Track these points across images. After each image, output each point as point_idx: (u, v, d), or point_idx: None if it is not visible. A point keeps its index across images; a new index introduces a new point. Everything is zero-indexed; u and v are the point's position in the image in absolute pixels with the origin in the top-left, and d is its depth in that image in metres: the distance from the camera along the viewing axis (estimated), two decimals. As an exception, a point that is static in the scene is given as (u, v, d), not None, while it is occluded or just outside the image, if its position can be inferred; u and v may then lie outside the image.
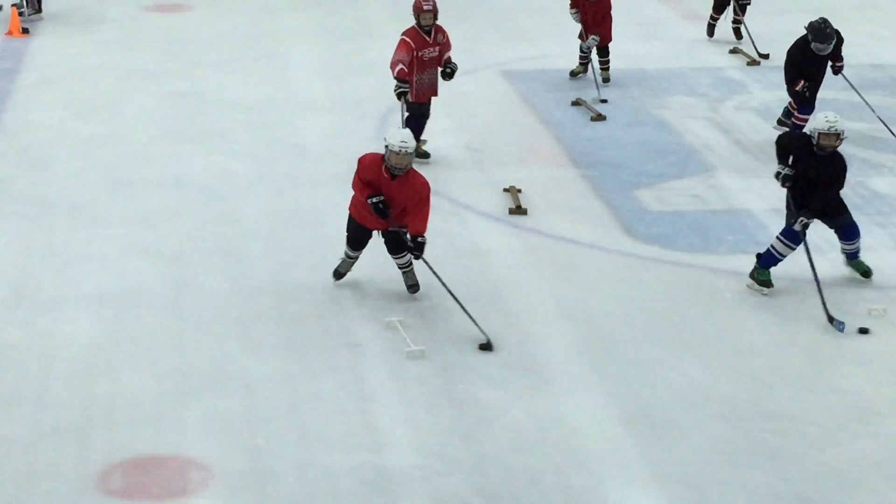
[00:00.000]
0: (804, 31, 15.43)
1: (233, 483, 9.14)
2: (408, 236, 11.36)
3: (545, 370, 10.67)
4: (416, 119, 14.53)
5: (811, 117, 11.83)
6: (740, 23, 19.56)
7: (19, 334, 10.99)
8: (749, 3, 19.47)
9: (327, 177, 14.33)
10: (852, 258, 12.19)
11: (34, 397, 10.08)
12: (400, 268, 11.67)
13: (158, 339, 10.96)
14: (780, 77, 18.15)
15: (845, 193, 12.70)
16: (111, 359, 10.65)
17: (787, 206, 11.95)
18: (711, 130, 16.19)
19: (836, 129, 11.62)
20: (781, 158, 11.92)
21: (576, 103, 16.94)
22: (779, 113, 16.80)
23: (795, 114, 15.60)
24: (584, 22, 17.29)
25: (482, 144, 15.17)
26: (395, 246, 11.56)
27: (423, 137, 14.72)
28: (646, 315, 11.58)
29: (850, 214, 12.04)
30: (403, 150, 11.07)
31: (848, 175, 13.19)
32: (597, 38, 17.27)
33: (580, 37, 17.50)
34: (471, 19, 20.85)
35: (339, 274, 11.83)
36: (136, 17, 20.67)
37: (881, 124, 15.76)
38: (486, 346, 10.89)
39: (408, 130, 11.34)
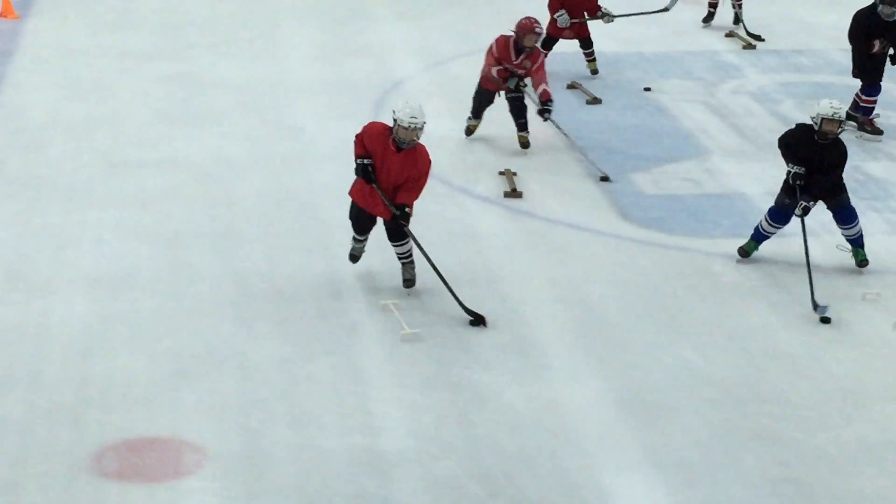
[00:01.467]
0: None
1: (227, 465, 9.14)
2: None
3: (540, 353, 10.68)
4: (477, 101, 14.70)
5: (815, 105, 11.85)
6: (740, 7, 19.53)
7: (14, 316, 10.98)
8: None
9: (322, 159, 14.33)
10: (855, 245, 12.18)
11: (29, 379, 10.08)
12: (399, 258, 11.55)
13: (153, 321, 10.96)
14: (776, 61, 18.26)
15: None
16: (106, 340, 10.65)
17: (783, 189, 12.00)
18: (707, 114, 16.18)
19: (840, 116, 11.72)
20: (789, 157, 11.94)
21: (571, 86, 16.92)
22: (775, 96, 16.81)
23: (862, 96, 15.47)
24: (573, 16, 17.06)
25: (477, 127, 15.14)
26: (396, 234, 11.47)
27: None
28: (640, 298, 11.59)
29: (847, 197, 12.08)
30: (413, 125, 10.96)
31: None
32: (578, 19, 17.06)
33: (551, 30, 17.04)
34: (466, 2, 20.84)
35: (353, 257, 11.68)
36: (132, -2, 20.66)
37: (876, 108, 15.72)
38: (478, 321, 10.93)
39: (418, 104, 11.12)
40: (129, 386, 10.01)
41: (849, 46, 15.88)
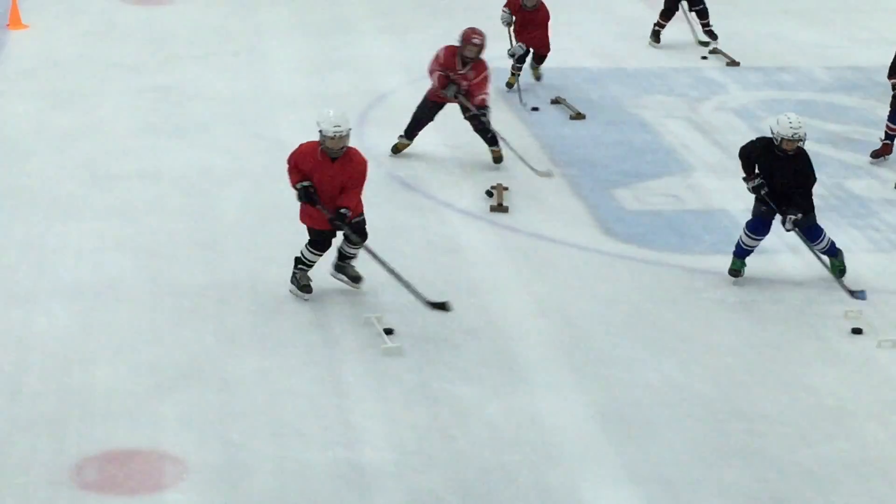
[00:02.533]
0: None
1: (207, 477, 9.12)
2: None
3: (522, 368, 10.68)
4: (416, 117, 14.63)
5: (774, 119, 11.81)
6: (709, 25, 19.51)
7: (-5, 326, 10.97)
8: (702, 8, 19.38)
9: (306, 172, 14.31)
10: (831, 255, 12.19)
11: (9, 390, 10.05)
12: (345, 255, 11.60)
13: (135, 332, 10.94)
14: (759, 78, 18.31)
15: (822, 194, 12.74)
16: (87, 351, 10.63)
17: (757, 199, 11.99)
18: (690, 130, 16.22)
19: (799, 136, 11.63)
20: (747, 169, 11.97)
21: (555, 101, 16.94)
22: (758, 113, 16.84)
23: (888, 122, 15.10)
24: (518, 28, 16.97)
25: (461, 141, 15.16)
26: (361, 232, 11.49)
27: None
28: (622, 314, 11.60)
29: (814, 216, 12.05)
30: (337, 133, 11.03)
31: (825, 177, 13.29)
32: (523, 46, 16.97)
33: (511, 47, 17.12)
34: (451, 15, 20.85)
35: (306, 287, 11.58)
36: (117, 9, 20.64)
37: (859, 126, 15.74)
38: (441, 307, 11.03)
39: (341, 112, 11.19)
40: (109, 397, 9.99)
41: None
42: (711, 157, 15.33)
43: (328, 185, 11.21)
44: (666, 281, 12.25)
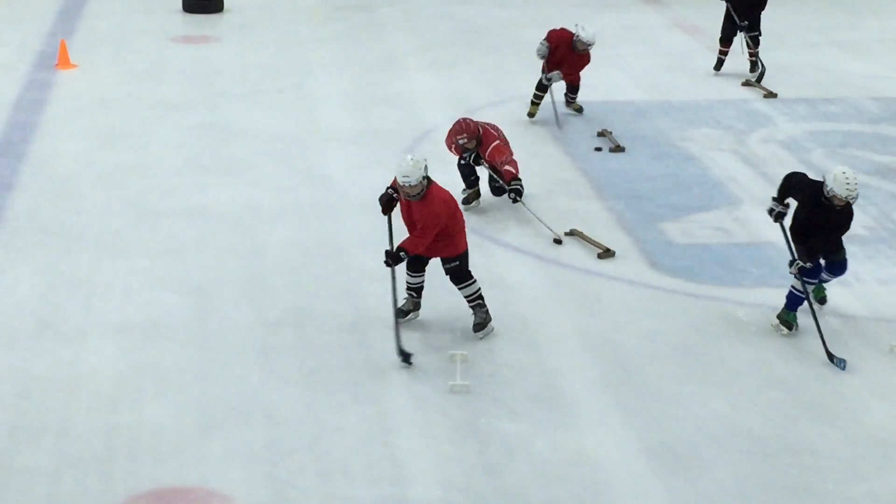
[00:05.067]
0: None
1: (255, 515, 9.14)
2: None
3: (569, 403, 10.65)
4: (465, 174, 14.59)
5: (831, 174, 11.40)
6: (756, 55, 19.46)
7: (44, 364, 11.01)
8: (758, 35, 19.32)
9: (352, 208, 14.35)
10: (820, 282, 12.05)
11: (58, 428, 10.09)
12: (466, 300, 11.69)
13: (182, 370, 10.98)
14: (806, 109, 18.22)
15: (870, 225, 12.62)
16: (135, 390, 10.66)
17: (790, 243, 11.77)
18: (737, 163, 16.16)
19: (853, 196, 11.31)
20: (781, 195, 11.75)
21: (601, 134, 16.92)
22: (805, 145, 16.77)
23: None
24: (554, 61, 16.96)
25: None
26: (456, 277, 11.62)
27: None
28: (670, 348, 11.55)
29: (844, 252, 11.83)
30: (406, 183, 11.12)
31: (873, 208, 13.19)
32: (560, 75, 16.97)
33: (543, 72, 17.07)
34: (496, 51, 20.92)
35: (401, 312, 11.73)
36: (165, 48, 20.79)
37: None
38: (405, 360, 11.09)
39: (416, 161, 11.11)
40: (157, 435, 10.02)
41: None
42: (759, 190, 15.25)
43: (407, 216, 11.43)
44: (713, 314, 12.19)
